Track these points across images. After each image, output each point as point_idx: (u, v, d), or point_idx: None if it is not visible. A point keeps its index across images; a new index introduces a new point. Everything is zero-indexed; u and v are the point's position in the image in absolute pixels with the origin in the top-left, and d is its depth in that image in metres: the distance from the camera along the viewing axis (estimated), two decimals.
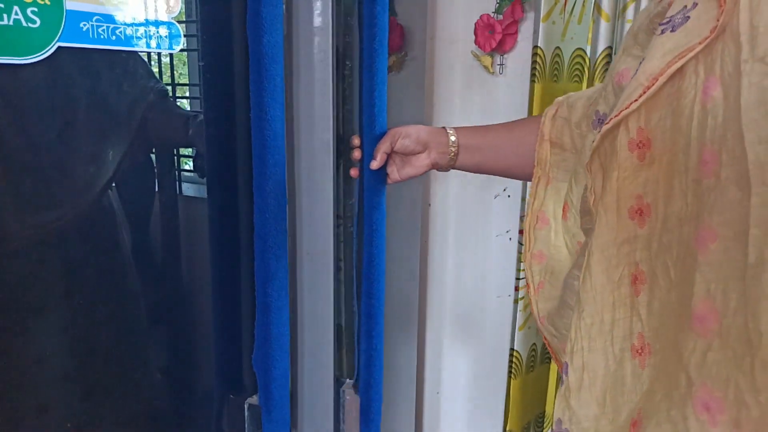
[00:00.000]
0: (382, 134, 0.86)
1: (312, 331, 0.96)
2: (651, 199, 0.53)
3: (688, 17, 0.50)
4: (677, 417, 0.47)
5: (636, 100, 0.52)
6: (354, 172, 0.91)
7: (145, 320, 0.87)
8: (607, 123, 0.55)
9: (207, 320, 0.93)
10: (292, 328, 0.92)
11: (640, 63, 0.54)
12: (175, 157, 0.93)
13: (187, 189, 0.95)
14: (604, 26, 1.27)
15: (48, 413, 0.77)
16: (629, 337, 0.55)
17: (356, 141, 0.90)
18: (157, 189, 0.88)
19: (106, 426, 0.83)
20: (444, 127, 0.84)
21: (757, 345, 0.42)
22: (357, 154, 0.89)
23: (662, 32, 0.52)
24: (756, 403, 0.42)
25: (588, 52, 1.28)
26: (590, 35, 1.28)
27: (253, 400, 0.91)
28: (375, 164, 0.83)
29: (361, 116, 0.92)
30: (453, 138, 0.82)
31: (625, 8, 1.26)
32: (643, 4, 1.24)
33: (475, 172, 0.87)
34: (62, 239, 0.73)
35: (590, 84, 1.29)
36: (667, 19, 0.52)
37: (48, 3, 0.60)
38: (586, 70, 1.29)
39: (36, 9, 0.60)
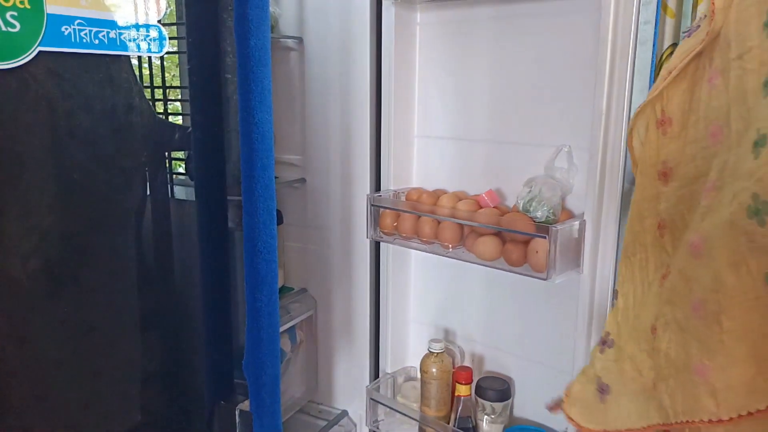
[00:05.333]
0: None
1: None
2: (673, 164, 0.69)
3: (699, 26, 0.65)
4: (680, 317, 0.63)
5: (656, 89, 0.69)
6: None
7: (135, 325, 0.87)
8: (638, 108, 0.73)
9: (197, 325, 0.93)
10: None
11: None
12: (167, 161, 0.92)
13: (179, 192, 0.94)
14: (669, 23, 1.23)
15: (37, 420, 0.76)
16: (660, 268, 0.71)
17: None
18: (148, 192, 0.87)
19: None
20: None
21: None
22: None
23: (683, 38, 0.70)
24: (714, 300, 0.58)
25: None
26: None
27: (245, 406, 0.90)
28: None
29: None
30: None
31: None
32: None
33: None
34: (47, 244, 0.72)
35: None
36: (689, 29, 0.69)
37: (28, 7, 0.59)
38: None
39: (16, 13, 0.59)
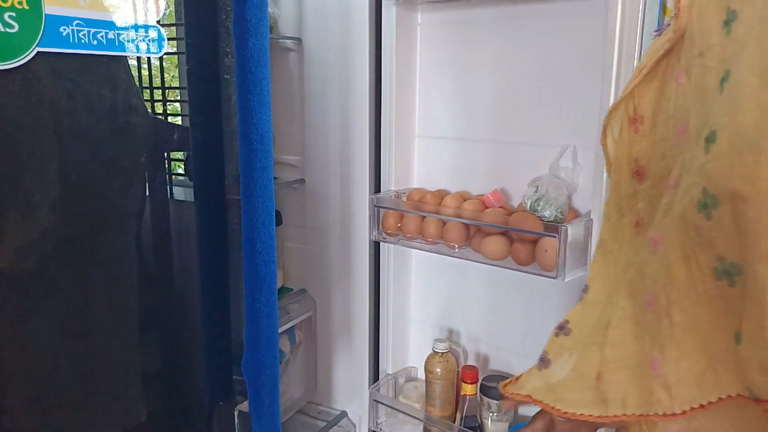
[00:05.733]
0: None
1: None
2: (644, 163, 0.70)
3: (669, 24, 0.65)
4: (638, 312, 0.64)
5: (628, 88, 0.69)
6: None
7: (133, 325, 0.87)
8: (612, 107, 0.73)
9: (196, 326, 0.92)
10: None
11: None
12: (165, 161, 0.92)
13: (178, 193, 0.94)
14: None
15: (35, 421, 0.76)
16: (630, 266, 0.70)
17: None
18: (147, 193, 0.87)
19: None
20: None
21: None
22: None
23: (654, 37, 0.70)
24: (664, 293, 0.60)
25: None
26: None
27: (243, 406, 0.90)
28: None
29: None
30: None
31: None
32: None
33: None
34: (45, 245, 0.72)
35: None
36: (659, 27, 0.71)
37: (26, 7, 0.59)
38: None
39: (14, 14, 0.59)
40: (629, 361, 0.65)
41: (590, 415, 0.67)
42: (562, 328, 0.77)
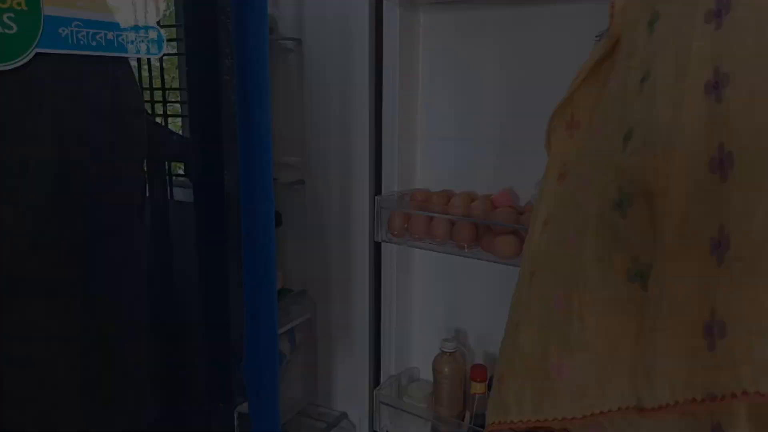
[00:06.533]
0: None
1: None
2: (571, 167, 0.69)
3: (607, 29, 0.66)
4: (543, 314, 0.63)
5: (567, 93, 0.70)
6: None
7: (133, 326, 0.86)
8: (554, 110, 0.72)
9: (196, 327, 0.92)
10: None
11: None
12: (166, 163, 0.92)
13: (178, 194, 0.94)
14: None
15: (37, 421, 0.75)
16: (529, 263, 0.71)
17: None
18: (147, 194, 0.87)
19: None
20: None
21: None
22: None
23: (595, 42, 0.70)
24: (577, 295, 0.59)
25: None
26: None
27: (243, 408, 0.90)
28: None
29: None
30: None
31: None
32: None
33: None
34: (44, 247, 0.72)
35: None
36: (601, 33, 0.69)
37: (25, 8, 0.59)
38: None
39: (12, 15, 0.58)
40: (526, 365, 0.63)
41: (492, 423, 0.65)
42: None
